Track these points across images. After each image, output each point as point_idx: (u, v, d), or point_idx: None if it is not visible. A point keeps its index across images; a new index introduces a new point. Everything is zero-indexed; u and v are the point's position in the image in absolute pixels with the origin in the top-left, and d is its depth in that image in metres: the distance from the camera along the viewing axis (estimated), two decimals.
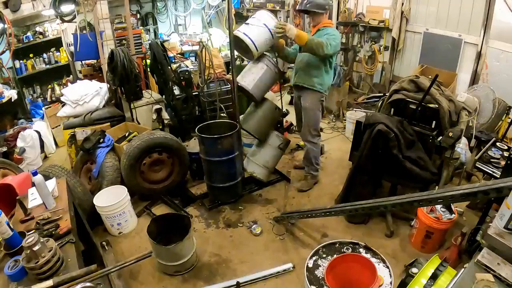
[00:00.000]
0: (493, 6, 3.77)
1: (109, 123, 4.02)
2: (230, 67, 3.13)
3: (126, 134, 3.78)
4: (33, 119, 5.26)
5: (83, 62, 5.51)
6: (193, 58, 6.19)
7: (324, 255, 2.08)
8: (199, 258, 2.83)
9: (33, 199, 2.05)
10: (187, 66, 4.87)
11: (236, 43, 3.03)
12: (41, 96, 5.95)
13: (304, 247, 2.91)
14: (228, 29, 3.00)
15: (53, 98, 5.74)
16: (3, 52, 4.69)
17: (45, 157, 4.73)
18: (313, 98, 3.38)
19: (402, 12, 4.88)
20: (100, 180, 3.34)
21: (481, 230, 2.23)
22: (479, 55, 4.07)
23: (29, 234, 1.54)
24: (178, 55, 6.03)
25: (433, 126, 2.94)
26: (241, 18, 7.06)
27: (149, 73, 4.50)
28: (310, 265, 2.02)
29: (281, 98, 3.76)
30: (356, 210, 2.17)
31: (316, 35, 3.16)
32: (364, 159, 2.87)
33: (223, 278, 2.66)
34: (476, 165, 2.86)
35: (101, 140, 3.45)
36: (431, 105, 2.93)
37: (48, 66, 5.81)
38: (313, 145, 3.57)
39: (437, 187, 2.99)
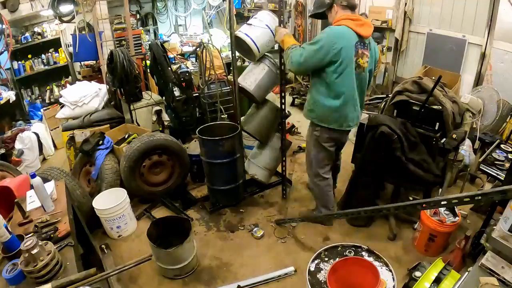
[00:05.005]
0: (497, 7, 3.74)
1: (108, 125, 3.99)
2: (231, 68, 3.09)
3: (126, 136, 3.75)
4: (31, 120, 5.24)
5: (82, 63, 5.48)
6: (193, 59, 6.17)
7: (326, 259, 2.05)
8: (200, 262, 2.80)
9: (32, 201, 2.02)
10: (187, 67, 4.85)
11: (238, 43, 3.01)
12: (40, 97, 5.93)
13: (306, 250, 2.88)
14: (229, 29, 2.98)
15: (52, 100, 5.74)
16: (1, 53, 4.68)
17: (44, 159, 4.70)
18: (308, 129, 2.85)
19: (405, 13, 4.86)
20: (99, 183, 3.31)
21: (485, 233, 2.21)
22: (483, 56, 4.04)
23: (27, 237, 1.52)
24: (179, 56, 6.01)
25: (436, 128, 2.92)
26: (242, 18, 7.06)
27: (149, 74, 4.48)
28: (312, 269, 1.99)
29: (285, 100, 3.70)
30: (359, 213, 2.15)
31: None
32: (367, 161, 2.85)
33: (224, 281, 2.63)
34: (480, 167, 2.85)
35: (100, 142, 3.41)
36: (434, 107, 2.92)
37: (46, 67, 5.78)
38: (313, 184, 3.02)
39: (440, 189, 2.96)
